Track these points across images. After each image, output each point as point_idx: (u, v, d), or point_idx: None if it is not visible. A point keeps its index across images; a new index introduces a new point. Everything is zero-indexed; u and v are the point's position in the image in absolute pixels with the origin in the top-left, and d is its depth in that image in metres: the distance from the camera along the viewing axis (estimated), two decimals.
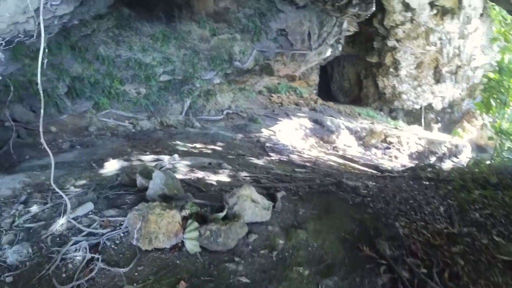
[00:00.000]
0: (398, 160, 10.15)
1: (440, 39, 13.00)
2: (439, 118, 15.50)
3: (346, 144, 10.62)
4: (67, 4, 4.80)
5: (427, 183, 5.08)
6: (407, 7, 12.19)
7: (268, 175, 5.19)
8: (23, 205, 3.62)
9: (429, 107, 15.08)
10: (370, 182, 5.07)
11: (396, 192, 4.57)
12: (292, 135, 9.93)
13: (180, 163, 5.39)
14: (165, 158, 5.60)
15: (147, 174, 3.79)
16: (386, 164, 8.84)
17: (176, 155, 5.67)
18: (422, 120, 14.93)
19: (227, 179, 4.80)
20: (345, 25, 10.65)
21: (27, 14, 3.99)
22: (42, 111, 3.19)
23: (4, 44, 4.23)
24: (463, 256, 2.96)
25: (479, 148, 13.45)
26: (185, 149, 6.67)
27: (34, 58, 6.15)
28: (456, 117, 15.34)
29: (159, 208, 2.90)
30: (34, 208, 3.51)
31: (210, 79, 9.29)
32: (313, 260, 2.90)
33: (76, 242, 2.92)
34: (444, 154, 10.44)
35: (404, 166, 8.58)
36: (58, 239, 3.01)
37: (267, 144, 8.12)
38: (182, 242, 2.88)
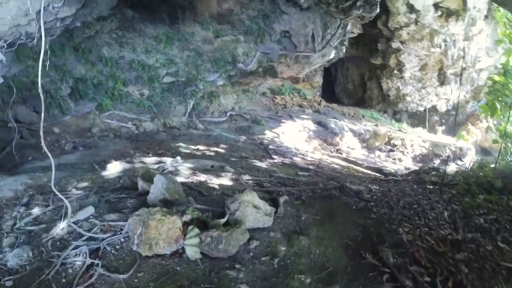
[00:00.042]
0: (402, 162, 10.09)
1: (445, 41, 12.94)
2: (443, 121, 15.41)
3: (350, 146, 10.58)
4: (69, 6, 4.80)
5: (431, 187, 5.04)
6: (411, 9, 12.15)
7: (271, 179, 5.16)
8: (25, 207, 3.61)
9: (433, 109, 15.00)
10: (374, 186, 5.03)
11: (400, 196, 4.53)
12: (295, 137, 9.89)
13: (182, 165, 5.37)
14: (168, 160, 5.59)
15: (149, 177, 3.77)
16: (390, 167, 8.78)
17: (178, 158, 5.65)
18: (426, 122, 14.84)
19: (230, 183, 4.77)
20: (349, 27, 10.60)
21: (29, 17, 3.98)
22: (42, 114, 3.19)
23: (6, 46, 4.23)
24: (467, 264, 2.92)
25: (483, 151, 13.36)
26: (188, 151, 6.65)
27: (37, 59, 6.11)
28: (461, 120, 15.24)
29: (159, 214, 2.88)
30: (36, 211, 3.50)
31: (213, 80, 9.27)
32: (315, 268, 2.87)
33: (77, 247, 2.91)
34: (448, 157, 10.37)
35: (408, 169, 8.53)
36: (58, 243, 3.00)
37: (270, 147, 8.08)
38: (183, 248, 2.86)
